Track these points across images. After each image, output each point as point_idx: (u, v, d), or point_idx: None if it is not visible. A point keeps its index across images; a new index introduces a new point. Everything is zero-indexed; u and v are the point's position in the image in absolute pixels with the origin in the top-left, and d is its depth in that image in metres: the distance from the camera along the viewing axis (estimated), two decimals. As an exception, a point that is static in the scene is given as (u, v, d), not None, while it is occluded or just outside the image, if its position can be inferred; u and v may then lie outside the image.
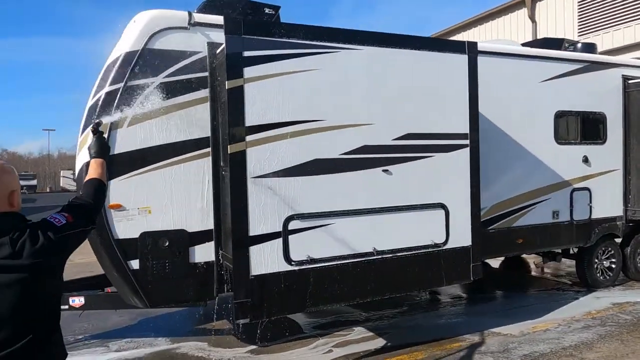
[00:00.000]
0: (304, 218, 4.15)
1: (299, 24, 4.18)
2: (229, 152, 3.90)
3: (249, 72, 3.93)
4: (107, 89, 4.22)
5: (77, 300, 4.92)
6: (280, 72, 4.04)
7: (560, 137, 6.53)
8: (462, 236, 4.87)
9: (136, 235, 4.27)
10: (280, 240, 4.06)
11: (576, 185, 6.65)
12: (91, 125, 2.56)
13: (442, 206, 4.77)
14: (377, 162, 4.45)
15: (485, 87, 5.77)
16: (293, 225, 4.11)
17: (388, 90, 4.49)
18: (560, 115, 6.52)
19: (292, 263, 4.11)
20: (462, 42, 4.85)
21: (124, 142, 4.24)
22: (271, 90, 4.01)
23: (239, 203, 3.91)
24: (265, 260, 4.00)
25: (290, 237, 4.10)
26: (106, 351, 5.20)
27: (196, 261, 4.50)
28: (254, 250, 3.97)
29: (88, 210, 2.10)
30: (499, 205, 6.07)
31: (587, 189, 6.74)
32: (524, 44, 7.51)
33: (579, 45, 7.31)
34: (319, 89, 4.21)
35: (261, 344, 5.17)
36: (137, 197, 4.28)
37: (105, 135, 3.12)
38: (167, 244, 4.37)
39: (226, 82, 3.87)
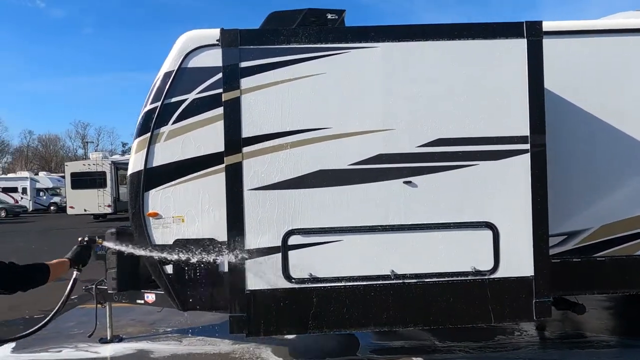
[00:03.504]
0: (305, 233, 3.89)
1: (299, 28, 3.96)
2: (224, 164, 3.90)
3: (246, 82, 3.88)
4: (148, 107, 4.63)
5: (150, 297, 5.51)
6: (281, 79, 3.88)
7: None
8: (519, 264, 3.92)
9: (170, 241, 4.58)
10: (279, 256, 3.89)
11: None
12: (81, 238, 3.11)
13: (488, 225, 3.92)
14: (396, 173, 3.90)
15: (586, 75, 4.64)
16: (293, 240, 3.89)
17: (411, 90, 3.91)
18: None
19: (292, 280, 3.89)
20: (519, 24, 3.91)
21: (161, 156, 4.58)
22: (270, 100, 3.88)
23: (234, 215, 3.88)
24: (262, 275, 3.88)
25: (290, 252, 3.89)
26: (177, 344, 5.71)
27: (225, 270, 4.59)
28: (250, 264, 3.88)
29: (8, 277, 2.29)
30: (613, 227, 4.69)
31: None
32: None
33: None
34: (325, 95, 3.90)
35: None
36: (172, 207, 4.58)
37: (93, 249, 3.35)
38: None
39: (222, 94, 3.89)
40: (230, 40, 3.88)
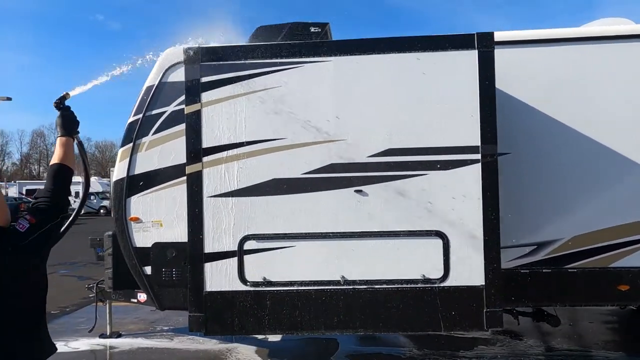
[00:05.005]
0: (260, 239, 4.08)
1: (258, 44, 4.18)
2: (186, 173, 4.16)
3: (206, 96, 4.13)
4: (131, 119, 4.97)
5: (142, 296, 5.84)
6: (238, 93, 4.11)
7: None
8: (469, 273, 3.94)
9: (149, 244, 4.89)
10: (235, 260, 4.10)
11: None
12: (55, 100, 2.58)
13: (438, 234, 3.97)
14: (347, 182, 4.03)
15: (556, 85, 4.61)
16: (249, 245, 4.09)
17: (362, 102, 4.03)
18: None
19: (247, 283, 4.09)
20: (470, 36, 3.96)
21: (142, 164, 4.91)
22: (228, 112, 4.11)
23: (195, 221, 4.13)
24: (219, 277, 4.10)
25: (245, 257, 4.09)
26: (168, 341, 6.06)
27: (196, 272, 4.84)
28: (209, 267, 4.11)
29: (49, 206, 2.24)
30: (586, 237, 4.60)
31: None
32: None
33: None
34: (280, 107, 4.09)
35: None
36: (152, 212, 4.89)
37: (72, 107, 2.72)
38: (174, 254, 4.86)
39: (185, 107, 4.17)
40: (192, 57, 4.15)
